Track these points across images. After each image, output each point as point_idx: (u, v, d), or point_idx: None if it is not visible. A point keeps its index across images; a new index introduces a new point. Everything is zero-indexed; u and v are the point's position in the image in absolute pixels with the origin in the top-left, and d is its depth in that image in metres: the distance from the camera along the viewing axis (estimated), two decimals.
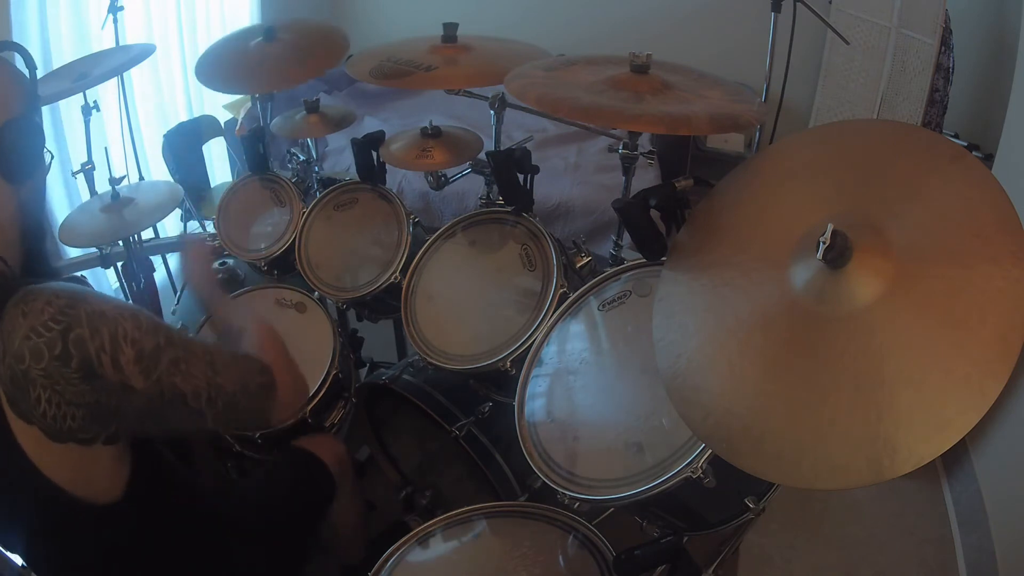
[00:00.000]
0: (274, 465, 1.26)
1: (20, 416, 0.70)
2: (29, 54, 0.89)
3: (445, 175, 1.55)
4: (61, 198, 2.48)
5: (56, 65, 1.89)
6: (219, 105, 3.04)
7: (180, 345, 0.77)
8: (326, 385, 1.37)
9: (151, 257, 2.08)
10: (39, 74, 0.88)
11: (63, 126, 2.37)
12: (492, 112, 1.46)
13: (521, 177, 1.25)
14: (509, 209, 1.31)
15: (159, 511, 0.90)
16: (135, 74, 2.67)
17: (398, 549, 1.00)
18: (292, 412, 0.95)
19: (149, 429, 0.79)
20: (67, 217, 1.67)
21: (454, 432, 1.26)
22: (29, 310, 0.68)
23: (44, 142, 0.84)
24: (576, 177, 2.79)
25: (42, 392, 0.68)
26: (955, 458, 1.92)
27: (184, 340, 0.78)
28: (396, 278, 1.38)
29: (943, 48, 2.57)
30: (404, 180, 2.70)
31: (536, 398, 1.06)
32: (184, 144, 2.71)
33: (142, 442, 0.85)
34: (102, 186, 1.71)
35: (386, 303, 1.48)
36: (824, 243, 0.68)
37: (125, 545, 0.87)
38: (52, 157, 0.89)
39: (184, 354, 0.77)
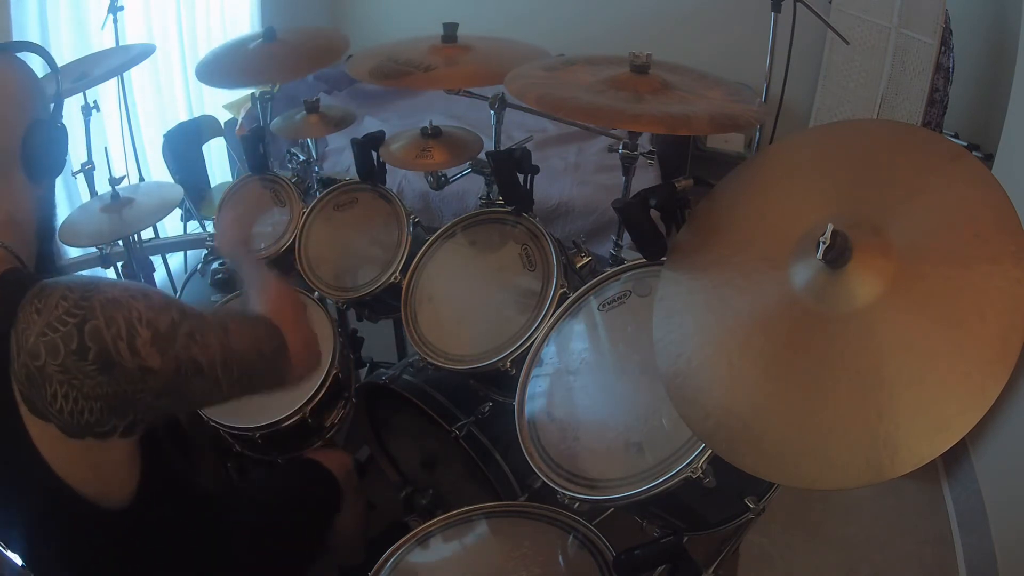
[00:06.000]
0: (283, 473, 1.27)
1: (36, 414, 0.70)
2: (49, 55, 0.90)
3: (445, 175, 1.54)
4: (61, 198, 2.47)
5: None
6: (219, 105, 3.05)
7: (193, 316, 0.77)
8: (326, 385, 1.37)
9: (151, 257, 2.08)
10: (40, 74, 0.89)
11: None
12: (492, 112, 1.46)
13: (521, 177, 1.25)
14: (509, 209, 1.31)
15: (167, 516, 0.90)
16: (135, 74, 2.66)
17: (398, 549, 1.00)
18: (307, 372, 0.94)
19: (167, 408, 0.78)
20: (67, 217, 1.67)
21: (454, 432, 1.26)
22: (43, 306, 0.68)
23: (67, 142, 0.86)
24: (576, 177, 2.79)
25: (59, 388, 0.68)
26: (955, 458, 1.92)
27: (195, 311, 0.79)
28: (396, 278, 1.38)
29: (943, 48, 2.57)
30: (404, 180, 2.70)
31: (536, 398, 1.06)
32: (184, 144, 2.71)
33: (150, 446, 0.85)
34: (102, 186, 1.71)
35: (386, 303, 1.47)
36: (824, 243, 0.68)
37: (131, 549, 0.87)
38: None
39: (198, 324, 0.77)
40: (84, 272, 2.22)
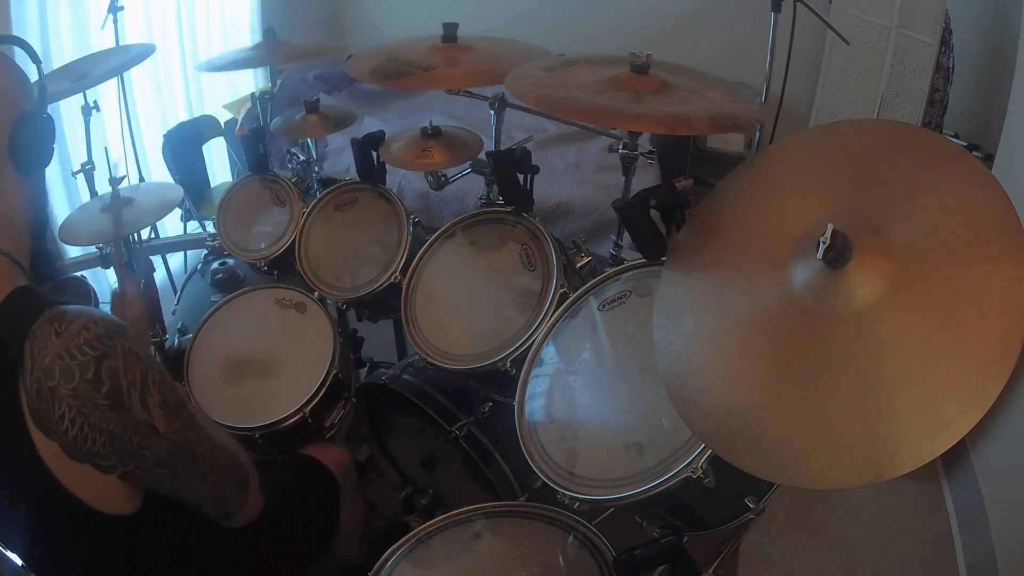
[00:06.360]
0: (281, 473, 1.26)
1: (41, 430, 0.70)
2: (32, 48, 0.91)
3: (445, 175, 1.54)
4: (61, 198, 2.48)
5: (56, 65, 1.89)
6: (219, 105, 3.05)
7: (195, 411, 0.83)
8: (326, 385, 1.37)
9: (151, 257, 2.08)
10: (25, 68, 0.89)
11: (63, 126, 2.37)
12: (492, 112, 1.46)
13: (521, 177, 1.25)
14: (509, 209, 1.31)
15: (167, 517, 0.90)
16: (135, 74, 2.67)
17: (398, 549, 1.00)
18: (254, 513, 0.96)
19: (160, 483, 0.81)
20: (67, 217, 1.67)
21: (454, 432, 1.26)
22: (64, 330, 0.69)
23: (54, 132, 0.87)
24: (576, 177, 2.79)
25: (67, 411, 0.69)
26: (955, 458, 1.92)
27: (193, 409, 0.84)
28: (396, 278, 1.38)
29: (943, 48, 2.57)
30: (404, 180, 2.70)
31: (536, 398, 1.06)
32: (184, 144, 2.72)
33: None
34: (102, 186, 1.71)
35: (386, 303, 1.47)
36: (824, 243, 0.68)
37: (131, 550, 0.87)
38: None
39: (196, 418, 0.83)
40: (85, 272, 2.22)
